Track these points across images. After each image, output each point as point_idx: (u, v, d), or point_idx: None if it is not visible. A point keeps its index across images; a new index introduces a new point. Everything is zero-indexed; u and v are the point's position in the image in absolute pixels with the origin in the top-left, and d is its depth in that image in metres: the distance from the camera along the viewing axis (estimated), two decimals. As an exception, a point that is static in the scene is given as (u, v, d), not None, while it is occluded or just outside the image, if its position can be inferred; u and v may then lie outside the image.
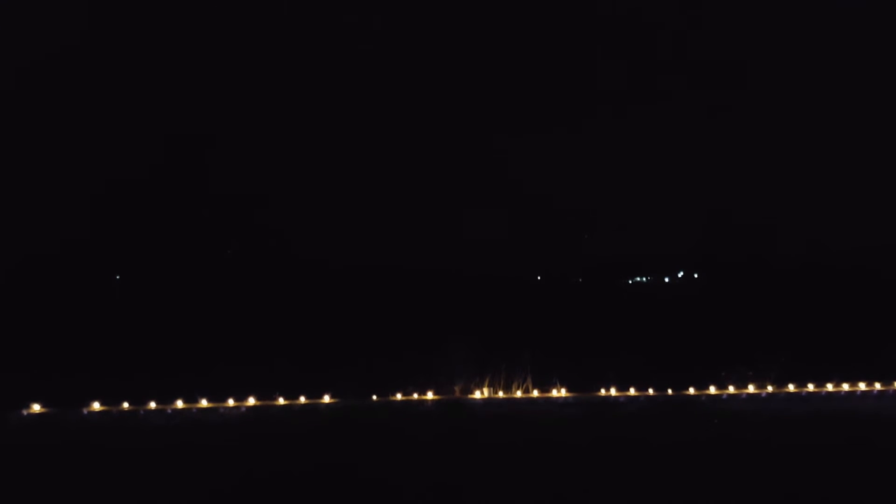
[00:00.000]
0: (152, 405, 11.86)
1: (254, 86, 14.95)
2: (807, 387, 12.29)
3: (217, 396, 12.10)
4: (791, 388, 12.33)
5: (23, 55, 14.43)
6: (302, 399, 12.14)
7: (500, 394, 12.15)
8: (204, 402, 11.95)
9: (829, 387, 12.25)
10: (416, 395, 12.17)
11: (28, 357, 12.33)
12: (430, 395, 12.10)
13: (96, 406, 11.86)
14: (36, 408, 11.77)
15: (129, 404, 11.97)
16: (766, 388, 12.31)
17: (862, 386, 12.23)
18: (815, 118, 15.16)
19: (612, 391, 12.20)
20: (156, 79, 14.79)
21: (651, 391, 12.17)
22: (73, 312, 13.43)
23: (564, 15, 15.62)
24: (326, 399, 12.11)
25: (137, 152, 14.69)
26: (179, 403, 11.91)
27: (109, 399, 12.07)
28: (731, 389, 12.30)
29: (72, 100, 14.68)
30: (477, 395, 12.14)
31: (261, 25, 14.98)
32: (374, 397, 12.14)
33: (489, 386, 12.20)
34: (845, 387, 12.21)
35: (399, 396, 12.12)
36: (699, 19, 15.59)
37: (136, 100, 14.75)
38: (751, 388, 12.35)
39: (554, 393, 12.18)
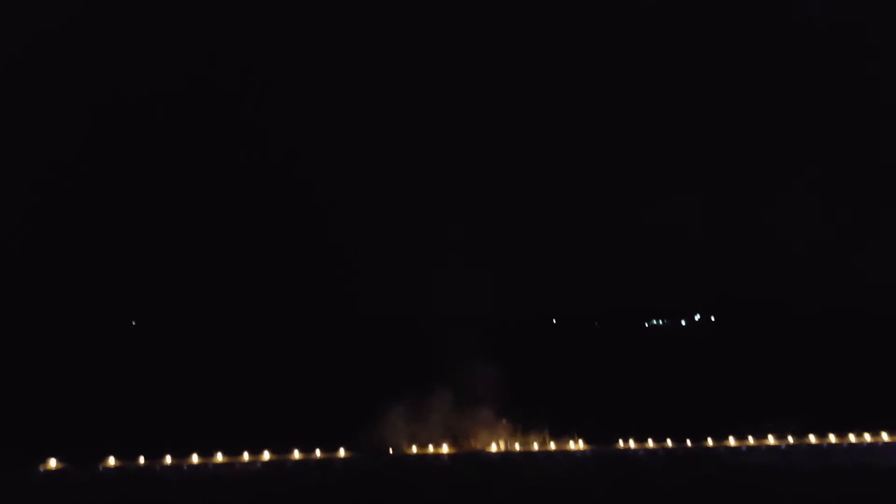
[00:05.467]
0: (168, 460, 11.82)
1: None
2: (827, 438, 12.07)
3: (232, 450, 12.07)
4: (812, 439, 12.12)
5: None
6: (317, 453, 12.09)
7: (517, 446, 12.04)
8: (219, 457, 11.91)
9: (852, 437, 12.02)
10: (431, 449, 12.09)
11: (44, 412, 12.36)
12: (445, 449, 12.02)
13: (112, 461, 11.82)
14: (52, 463, 11.74)
15: (145, 459, 11.94)
16: (786, 439, 12.10)
17: (885, 437, 11.99)
18: (833, 156, 15.04)
19: (631, 443, 12.04)
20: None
21: (669, 443, 12.01)
22: (90, 364, 13.46)
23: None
24: (342, 453, 12.05)
25: (149, 197, 14.77)
26: (195, 458, 11.87)
27: (125, 452, 12.07)
28: (751, 440, 12.09)
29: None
30: (493, 448, 12.04)
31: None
32: (390, 450, 12.06)
33: (506, 439, 12.09)
34: (867, 437, 11.97)
35: (414, 450, 12.03)
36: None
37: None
38: (770, 440, 12.14)
39: (571, 445, 12.05)
